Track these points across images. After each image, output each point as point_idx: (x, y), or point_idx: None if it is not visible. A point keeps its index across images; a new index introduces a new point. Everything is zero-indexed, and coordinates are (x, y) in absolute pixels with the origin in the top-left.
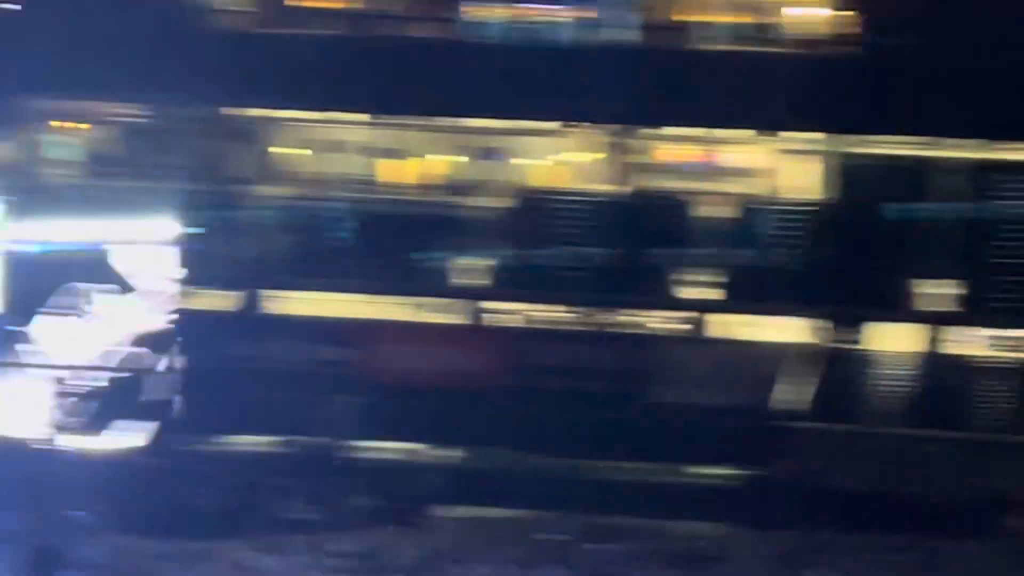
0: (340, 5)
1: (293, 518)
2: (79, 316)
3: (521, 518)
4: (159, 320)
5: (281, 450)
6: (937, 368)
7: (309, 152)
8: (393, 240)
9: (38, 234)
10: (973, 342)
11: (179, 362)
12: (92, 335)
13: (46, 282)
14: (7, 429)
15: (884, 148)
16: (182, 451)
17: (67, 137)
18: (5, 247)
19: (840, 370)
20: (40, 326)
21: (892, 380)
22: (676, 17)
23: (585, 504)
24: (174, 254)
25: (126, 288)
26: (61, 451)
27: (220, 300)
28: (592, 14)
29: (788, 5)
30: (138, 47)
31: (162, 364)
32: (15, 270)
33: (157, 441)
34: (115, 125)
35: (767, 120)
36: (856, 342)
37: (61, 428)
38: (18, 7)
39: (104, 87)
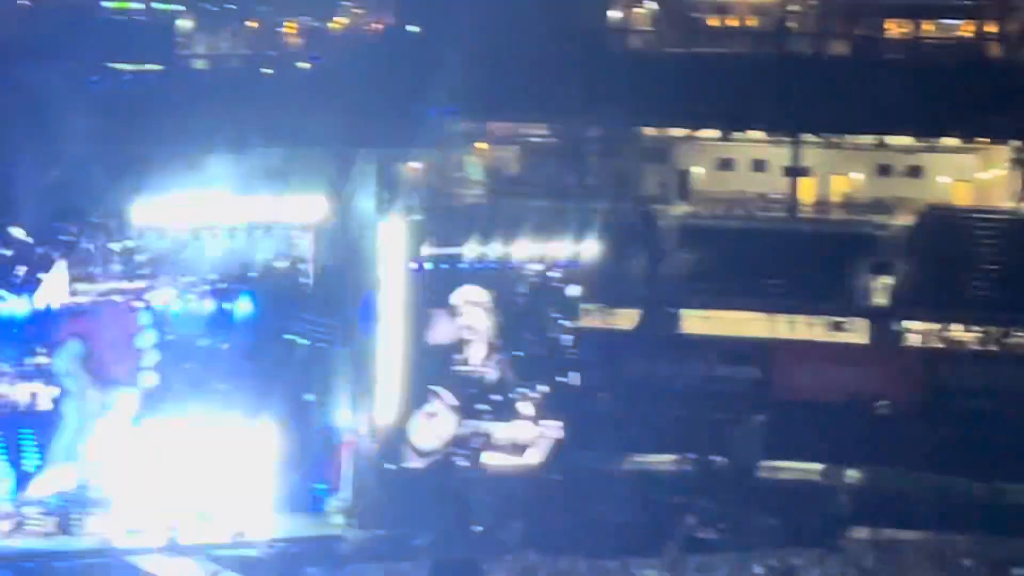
0: (749, 23)
1: (699, 537)
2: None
3: (936, 541)
4: (560, 338)
5: (686, 469)
6: None
7: (718, 171)
8: (804, 259)
9: (443, 251)
10: None
11: (589, 380)
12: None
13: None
14: (420, 448)
15: None
16: (588, 469)
17: (476, 158)
18: (410, 264)
19: None
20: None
21: None
22: None
23: (1005, 528)
24: (580, 273)
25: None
26: (471, 469)
27: (626, 318)
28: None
29: None
30: (550, 68)
31: (573, 380)
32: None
33: (563, 459)
34: (523, 145)
35: None
36: None
37: (469, 446)
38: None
39: (517, 108)
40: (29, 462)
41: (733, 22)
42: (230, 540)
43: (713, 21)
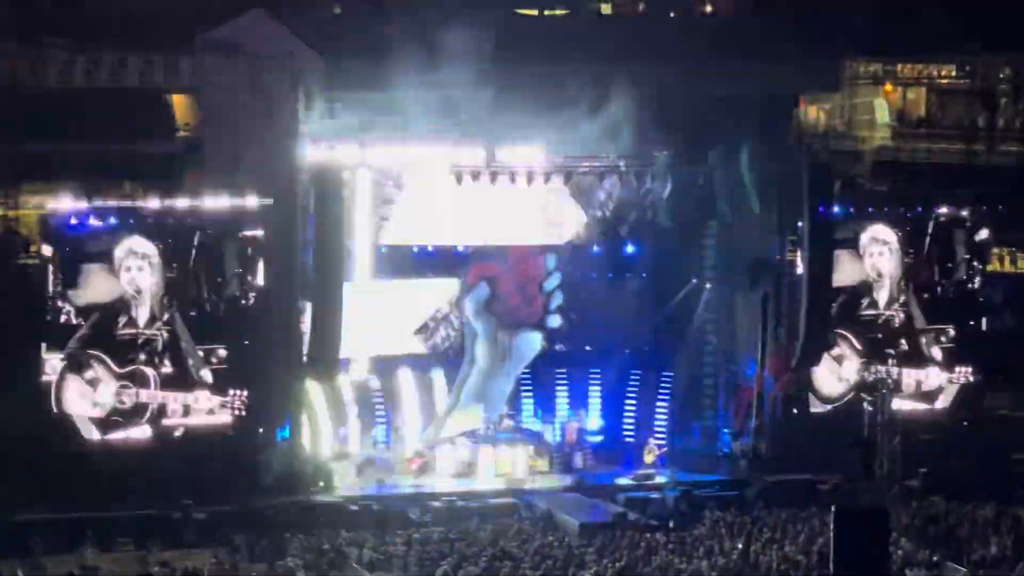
0: None
1: None
2: None
3: None
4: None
5: None
6: None
7: None
8: None
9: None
10: None
11: (999, 324)
12: None
13: None
14: (825, 394)
15: None
16: (998, 415)
17: (883, 100)
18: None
19: None
20: None
21: None
22: None
23: None
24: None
25: None
26: (877, 414)
27: None
28: None
29: None
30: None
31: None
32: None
33: (972, 404)
34: (930, 86)
35: None
36: None
37: (876, 391)
38: None
39: (926, 49)
40: (440, 403)
41: None
42: (636, 482)
43: None
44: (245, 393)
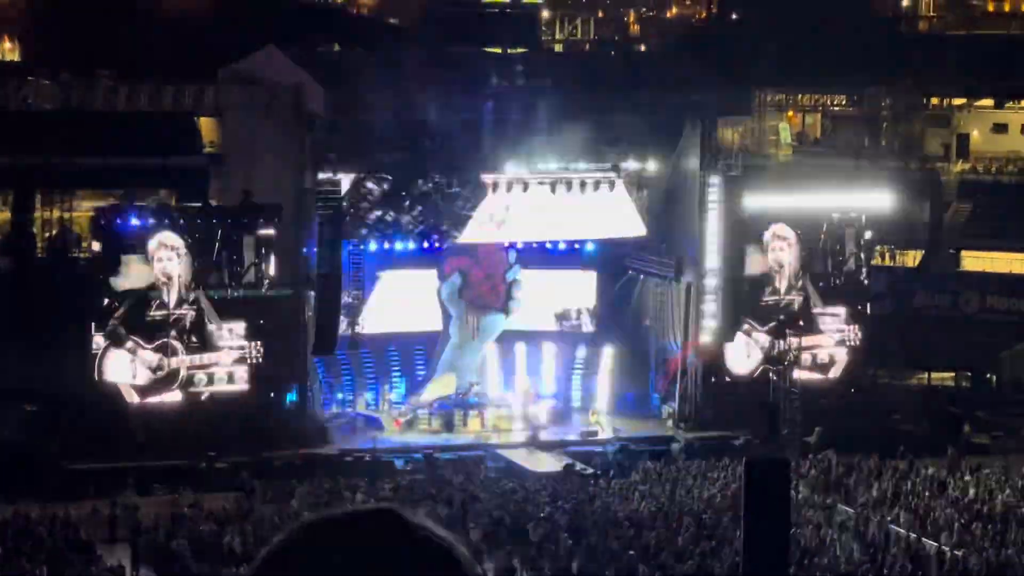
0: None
1: (975, 443)
2: None
3: None
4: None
5: (964, 385)
6: None
7: (992, 134)
8: None
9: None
10: None
11: (881, 308)
12: None
13: None
14: (736, 368)
15: None
16: (881, 383)
17: (786, 124)
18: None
19: None
20: None
21: None
22: None
23: None
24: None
25: None
26: (781, 382)
27: (911, 257)
28: None
29: None
30: (851, 48)
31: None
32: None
33: (859, 375)
34: (824, 113)
35: None
36: None
37: (780, 363)
38: None
39: (821, 82)
40: (420, 372)
41: (1007, 7)
42: (582, 438)
43: (990, 6)
44: (259, 343)
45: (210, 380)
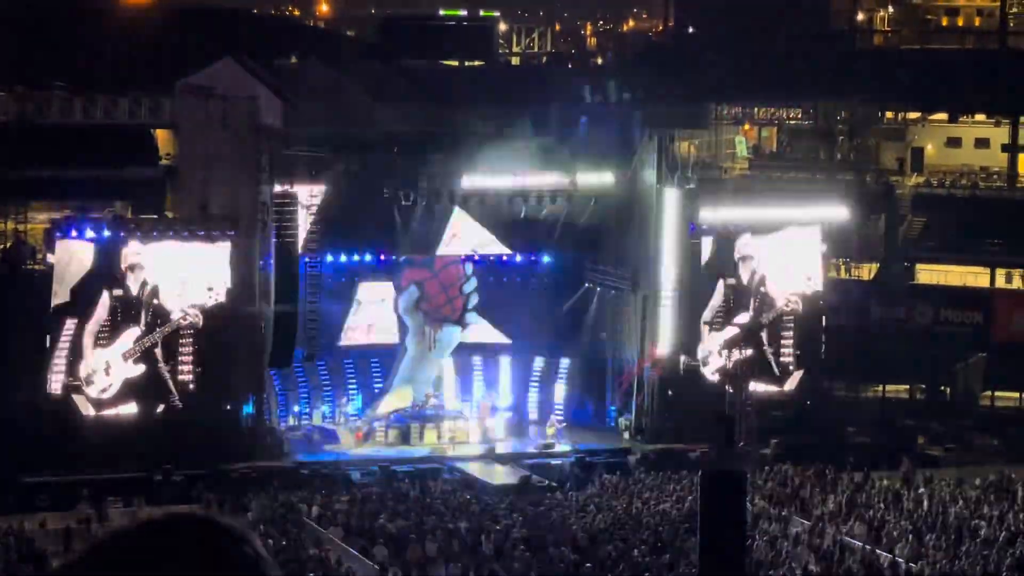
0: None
1: (929, 454)
2: None
3: None
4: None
5: (918, 397)
6: None
7: (946, 147)
8: (1020, 222)
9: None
10: None
11: (835, 321)
12: None
13: None
14: (701, 375)
15: None
16: (836, 396)
17: (742, 137)
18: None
19: None
20: None
21: None
22: None
23: None
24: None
25: None
26: (737, 395)
27: (867, 270)
28: None
29: None
30: (805, 63)
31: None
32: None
33: (814, 388)
34: (780, 126)
35: None
36: None
37: (734, 376)
38: None
39: (776, 96)
40: (377, 385)
41: (960, 22)
42: (539, 450)
43: (944, 21)
44: (200, 368)
45: (163, 390)
